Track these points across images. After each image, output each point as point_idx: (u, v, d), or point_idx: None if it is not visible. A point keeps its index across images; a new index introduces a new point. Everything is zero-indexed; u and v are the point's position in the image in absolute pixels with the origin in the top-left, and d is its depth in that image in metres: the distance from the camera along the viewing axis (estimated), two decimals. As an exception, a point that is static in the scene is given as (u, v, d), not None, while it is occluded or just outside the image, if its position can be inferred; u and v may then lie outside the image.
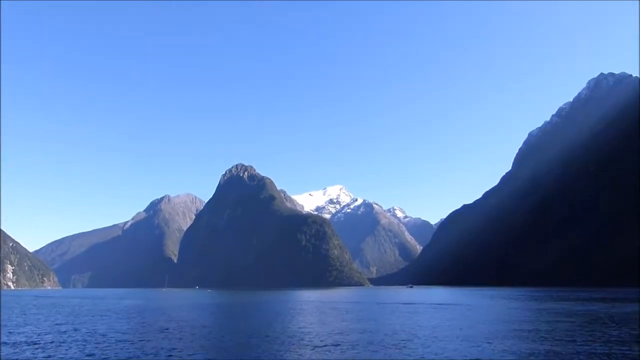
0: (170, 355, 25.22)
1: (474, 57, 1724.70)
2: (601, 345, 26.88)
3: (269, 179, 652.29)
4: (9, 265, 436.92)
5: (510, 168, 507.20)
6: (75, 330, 38.84)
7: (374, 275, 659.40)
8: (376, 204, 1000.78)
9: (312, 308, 72.84)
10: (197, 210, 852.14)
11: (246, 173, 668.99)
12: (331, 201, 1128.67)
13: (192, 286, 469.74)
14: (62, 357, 25.10)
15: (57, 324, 44.49)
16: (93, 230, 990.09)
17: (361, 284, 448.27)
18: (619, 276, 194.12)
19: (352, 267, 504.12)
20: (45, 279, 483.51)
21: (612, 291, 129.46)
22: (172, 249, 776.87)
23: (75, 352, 26.59)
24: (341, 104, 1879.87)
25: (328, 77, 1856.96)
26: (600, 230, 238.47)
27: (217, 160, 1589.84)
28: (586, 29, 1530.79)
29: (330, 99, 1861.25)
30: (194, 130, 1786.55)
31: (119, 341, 31.17)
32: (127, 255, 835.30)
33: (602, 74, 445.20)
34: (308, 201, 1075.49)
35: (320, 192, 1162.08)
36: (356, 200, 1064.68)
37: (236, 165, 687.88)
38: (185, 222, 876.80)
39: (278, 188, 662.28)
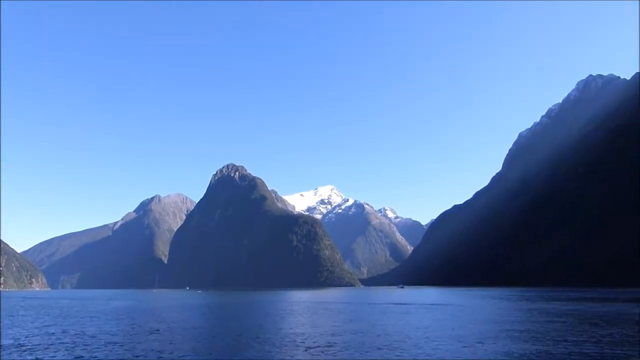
0: (161, 357, 24.92)
1: (462, 59, 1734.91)
2: (592, 345, 27.01)
3: (260, 179, 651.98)
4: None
5: (500, 169, 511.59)
6: (64, 332, 38.29)
7: (365, 276, 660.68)
8: (367, 205, 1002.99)
9: (303, 309, 72.67)
10: (187, 211, 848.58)
11: (237, 173, 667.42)
12: (322, 201, 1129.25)
13: (182, 287, 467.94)
14: (49, 360, 24.69)
15: (45, 326, 43.83)
16: (82, 231, 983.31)
17: (352, 285, 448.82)
18: (608, 276, 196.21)
19: (343, 268, 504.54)
20: (33, 280, 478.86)
21: (602, 291, 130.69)
22: (163, 250, 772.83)
23: (63, 355, 26.18)
24: (333, 106, 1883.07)
25: (325, 77, 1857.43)
26: (590, 231, 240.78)
27: (208, 160, 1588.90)
28: (575, 31, 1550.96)
29: (322, 100, 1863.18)
30: (185, 130, 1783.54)
31: (109, 343, 30.79)
32: (117, 256, 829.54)
33: (591, 75, 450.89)
34: (299, 201, 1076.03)
35: (312, 192, 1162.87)
36: (347, 200, 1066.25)
37: (227, 165, 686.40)
38: (176, 223, 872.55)
39: (269, 188, 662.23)
